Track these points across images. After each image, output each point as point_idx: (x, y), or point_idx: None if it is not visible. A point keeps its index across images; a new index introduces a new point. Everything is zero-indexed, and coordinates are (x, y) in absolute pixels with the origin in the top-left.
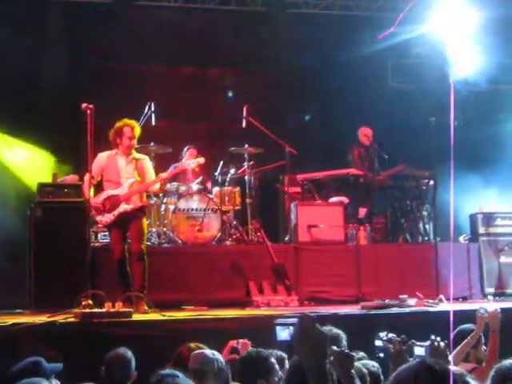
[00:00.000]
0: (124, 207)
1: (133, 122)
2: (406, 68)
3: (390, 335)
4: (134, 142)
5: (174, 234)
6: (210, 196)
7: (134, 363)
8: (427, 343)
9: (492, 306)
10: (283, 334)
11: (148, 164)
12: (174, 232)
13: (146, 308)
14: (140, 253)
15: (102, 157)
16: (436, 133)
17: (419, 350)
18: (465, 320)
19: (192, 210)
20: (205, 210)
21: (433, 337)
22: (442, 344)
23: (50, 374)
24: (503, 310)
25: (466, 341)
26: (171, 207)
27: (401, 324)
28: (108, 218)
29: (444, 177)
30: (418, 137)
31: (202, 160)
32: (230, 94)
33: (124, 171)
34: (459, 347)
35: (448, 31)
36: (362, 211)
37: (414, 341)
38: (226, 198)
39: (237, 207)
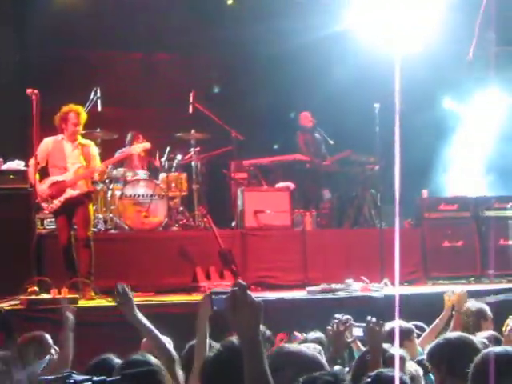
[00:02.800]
0: (70, 193)
1: (78, 108)
2: (349, 54)
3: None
4: (80, 127)
5: (120, 220)
6: (157, 182)
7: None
8: (364, 324)
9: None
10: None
11: (94, 150)
12: (120, 218)
13: (93, 294)
14: (86, 239)
15: (48, 142)
16: (380, 118)
17: (357, 331)
18: (409, 303)
19: (138, 196)
20: (151, 195)
21: (369, 317)
22: (378, 324)
23: None
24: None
25: (434, 324)
26: (118, 193)
27: (346, 308)
28: (54, 204)
29: (389, 162)
30: (362, 123)
31: (147, 145)
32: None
33: (70, 157)
34: (427, 331)
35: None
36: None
37: (352, 322)
38: (173, 184)
39: (183, 193)
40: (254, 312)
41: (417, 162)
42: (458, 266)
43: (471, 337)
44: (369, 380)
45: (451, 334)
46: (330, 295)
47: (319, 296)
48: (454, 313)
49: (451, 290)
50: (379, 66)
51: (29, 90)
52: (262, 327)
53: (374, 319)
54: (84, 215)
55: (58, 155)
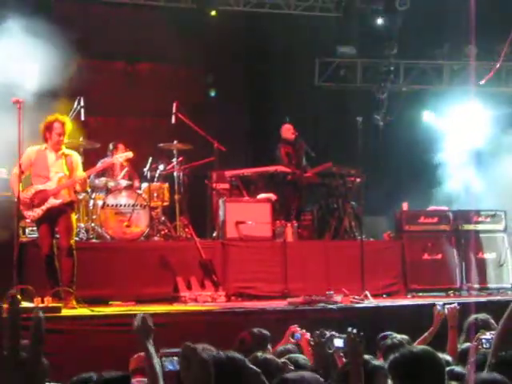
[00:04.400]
0: (52, 202)
1: (64, 118)
2: (332, 67)
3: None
4: (64, 137)
5: (102, 230)
6: (139, 192)
7: None
8: (344, 335)
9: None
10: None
11: (77, 159)
12: (102, 227)
13: (75, 303)
14: (69, 248)
15: (31, 151)
16: (362, 132)
17: (338, 342)
18: (390, 315)
19: (120, 205)
20: (133, 205)
21: (349, 329)
22: (358, 335)
23: None
24: (427, 305)
25: (421, 338)
26: (99, 202)
27: (327, 319)
28: (36, 212)
29: (370, 175)
30: (344, 136)
31: (130, 154)
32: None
33: (53, 166)
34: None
35: None
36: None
37: (333, 333)
38: (155, 194)
39: (165, 203)
40: (204, 372)
41: (397, 175)
42: (438, 278)
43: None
44: None
45: (417, 347)
46: (310, 307)
47: (300, 307)
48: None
49: (441, 305)
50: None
51: (14, 99)
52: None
53: (354, 330)
54: (66, 224)
55: (41, 164)
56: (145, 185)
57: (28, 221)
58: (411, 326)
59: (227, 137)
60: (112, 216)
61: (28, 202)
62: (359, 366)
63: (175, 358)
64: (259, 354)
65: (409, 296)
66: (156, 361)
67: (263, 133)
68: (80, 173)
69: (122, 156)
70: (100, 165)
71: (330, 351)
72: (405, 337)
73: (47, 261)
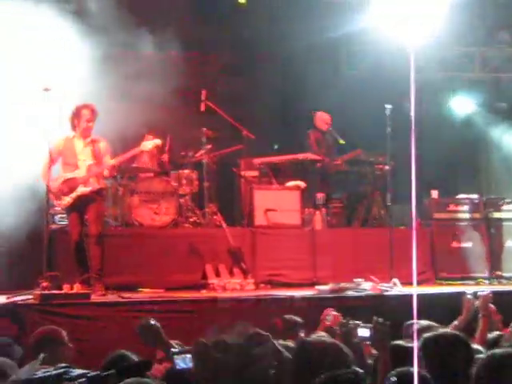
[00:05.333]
0: (82, 190)
1: (92, 105)
2: (361, 55)
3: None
4: (92, 124)
5: (130, 217)
6: (168, 179)
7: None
8: (371, 325)
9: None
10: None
11: (105, 146)
12: (131, 215)
13: (104, 290)
14: (98, 236)
15: (59, 140)
16: (392, 119)
17: (363, 331)
18: (419, 303)
19: (149, 192)
20: (162, 193)
21: (375, 318)
22: (384, 324)
23: (15, 357)
24: (458, 293)
25: (452, 325)
26: (128, 190)
27: (355, 307)
28: (66, 200)
29: (398, 162)
30: (374, 123)
31: (158, 142)
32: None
33: (81, 154)
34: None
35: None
36: (320, 196)
37: (358, 322)
38: (184, 181)
39: (194, 191)
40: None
41: (426, 162)
42: (467, 267)
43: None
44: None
45: (448, 331)
46: (339, 294)
47: (329, 295)
48: (480, 316)
49: (473, 292)
50: (391, 67)
51: (44, 87)
52: None
53: (380, 319)
54: (96, 212)
55: (69, 153)
56: (174, 172)
57: (57, 208)
58: (441, 315)
59: (256, 124)
60: (141, 203)
61: (57, 190)
62: (387, 354)
63: (188, 356)
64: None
65: (439, 284)
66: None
67: (292, 120)
68: (108, 159)
69: (150, 143)
70: (129, 152)
71: (356, 340)
72: (432, 323)
73: (77, 248)
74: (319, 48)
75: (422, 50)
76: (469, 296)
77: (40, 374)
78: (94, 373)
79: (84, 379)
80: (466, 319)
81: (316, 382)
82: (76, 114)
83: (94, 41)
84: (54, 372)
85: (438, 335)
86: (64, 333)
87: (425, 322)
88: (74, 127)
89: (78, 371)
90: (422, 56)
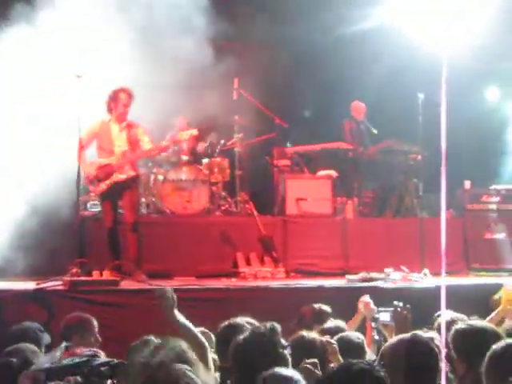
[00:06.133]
0: (117, 177)
1: (129, 89)
2: (395, 44)
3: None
4: (128, 109)
5: (162, 205)
6: (200, 167)
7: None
8: (391, 309)
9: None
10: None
11: (142, 131)
12: (162, 202)
13: (144, 277)
14: (134, 223)
15: (96, 123)
16: (424, 108)
17: (384, 316)
18: (450, 293)
19: (181, 180)
20: (194, 181)
21: (396, 302)
22: (405, 308)
23: (43, 343)
24: (489, 284)
25: (488, 318)
26: (160, 177)
27: (385, 297)
28: (100, 187)
29: (431, 152)
30: (406, 112)
31: (195, 132)
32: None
33: (117, 139)
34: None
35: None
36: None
37: (379, 308)
38: (216, 170)
39: (226, 179)
40: None
41: (459, 153)
42: (500, 258)
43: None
44: None
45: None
46: (369, 284)
47: (359, 284)
48: None
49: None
50: (425, 56)
51: (75, 74)
52: None
53: (400, 303)
54: (131, 199)
55: (105, 137)
56: (205, 160)
57: (91, 195)
58: (473, 305)
59: (289, 113)
60: (172, 191)
61: (93, 176)
62: None
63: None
64: (305, 333)
65: (471, 275)
66: (195, 330)
67: (326, 109)
68: (145, 144)
69: (187, 133)
70: (167, 141)
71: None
72: (460, 315)
73: (110, 234)
74: (353, 37)
75: (455, 39)
76: (508, 287)
77: (65, 361)
78: (118, 361)
79: (107, 367)
80: (503, 313)
81: (329, 371)
82: (113, 98)
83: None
84: (78, 360)
85: (469, 327)
86: (94, 320)
87: (453, 314)
88: (110, 111)
89: (102, 359)
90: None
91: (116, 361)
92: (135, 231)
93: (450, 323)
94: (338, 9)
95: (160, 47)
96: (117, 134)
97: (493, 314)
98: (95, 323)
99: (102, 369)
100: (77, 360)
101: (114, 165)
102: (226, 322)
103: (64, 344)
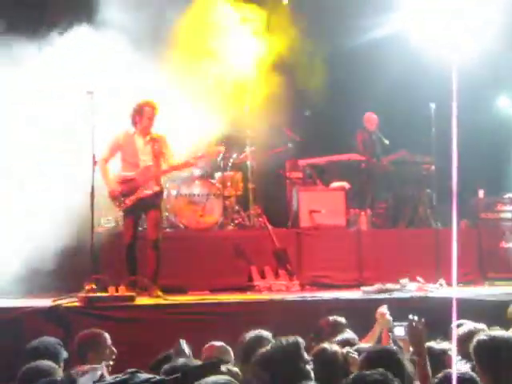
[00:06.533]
0: (143, 193)
1: (154, 102)
2: (405, 53)
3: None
4: (153, 122)
5: (176, 219)
6: (212, 181)
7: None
8: (405, 323)
9: None
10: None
11: (166, 143)
12: (176, 217)
13: (160, 293)
14: (156, 240)
15: (119, 135)
16: (436, 118)
17: (399, 330)
18: (463, 305)
19: (194, 195)
20: (207, 195)
21: (411, 316)
22: (419, 322)
23: (61, 359)
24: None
25: None
26: (173, 192)
27: (401, 308)
28: (126, 202)
29: (444, 162)
30: (418, 122)
31: (222, 149)
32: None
33: (142, 153)
34: None
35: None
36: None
37: (393, 322)
38: (228, 183)
39: (239, 192)
40: None
41: (472, 162)
42: None
43: None
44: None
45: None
46: (385, 295)
47: (374, 296)
48: None
49: None
50: (435, 66)
51: (87, 90)
52: None
53: (415, 317)
54: (156, 216)
55: (129, 150)
56: (218, 174)
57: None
58: (489, 316)
59: (300, 125)
60: (185, 205)
61: (118, 193)
62: (423, 352)
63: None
64: (327, 346)
65: (486, 285)
66: None
67: (336, 120)
68: (170, 159)
69: (215, 150)
70: (193, 159)
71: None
72: (480, 326)
73: (128, 250)
74: (364, 47)
75: (466, 47)
76: None
77: (107, 380)
78: (159, 377)
79: None
80: None
81: (344, 382)
82: (138, 111)
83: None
84: (120, 378)
85: (491, 338)
86: (106, 335)
87: (473, 324)
88: (134, 124)
89: (144, 376)
90: (467, 53)
91: (158, 377)
92: (156, 249)
93: (469, 334)
94: (345, 19)
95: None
96: (142, 147)
97: None
98: (107, 336)
99: None
100: (119, 378)
101: (138, 180)
102: (252, 334)
103: (104, 363)
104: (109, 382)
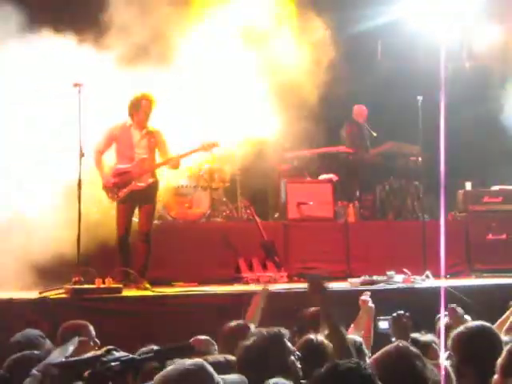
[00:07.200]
0: (136, 185)
1: (151, 95)
2: (394, 46)
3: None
4: (150, 116)
5: (164, 211)
6: (200, 173)
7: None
8: (390, 317)
9: None
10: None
11: (162, 137)
12: (164, 209)
13: (147, 285)
14: (146, 233)
15: (115, 127)
16: (423, 111)
17: (383, 324)
18: (451, 296)
19: (182, 186)
20: (195, 186)
21: (395, 314)
22: (404, 316)
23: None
24: (491, 285)
25: (502, 318)
26: (161, 184)
27: (387, 300)
28: (119, 194)
29: (432, 154)
30: (406, 115)
31: (218, 144)
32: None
33: (137, 146)
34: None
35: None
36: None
37: (377, 317)
38: (216, 175)
39: (226, 184)
40: None
41: (459, 154)
42: (503, 259)
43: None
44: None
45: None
46: (372, 287)
47: (361, 288)
48: None
49: None
50: (423, 58)
51: (74, 83)
52: None
53: (400, 311)
54: (148, 209)
55: (125, 142)
56: (206, 166)
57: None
58: (476, 307)
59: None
60: (173, 197)
61: (112, 184)
62: None
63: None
64: (313, 337)
65: (473, 276)
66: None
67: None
68: (165, 154)
69: (209, 145)
70: (191, 150)
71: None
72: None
73: (121, 242)
74: (354, 39)
75: (453, 38)
76: None
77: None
78: (130, 356)
79: (118, 362)
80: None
81: (316, 372)
82: (135, 104)
83: None
84: (90, 355)
85: (465, 329)
86: (90, 327)
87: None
88: (131, 116)
89: (117, 355)
90: (455, 45)
91: (130, 356)
92: (147, 241)
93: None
94: (337, 10)
95: None
96: (137, 140)
97: (507, 313)
98: (91, 327)
99: (114, 364)
100: (90, 355)
101: (133, 172)
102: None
103: (77, 338)
104: (77, 358)
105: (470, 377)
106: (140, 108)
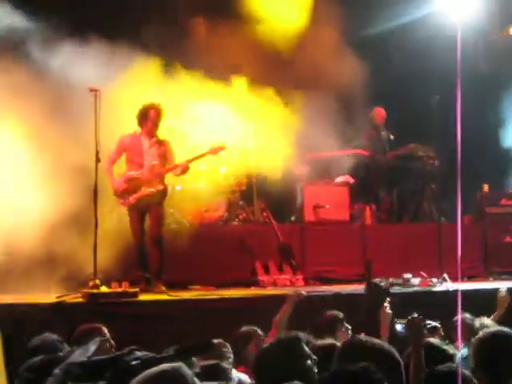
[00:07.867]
0: (145, 191)
1: (159, 105)
2: (410, 46)
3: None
4: (158, 125)
5: (180, 215)
6: (217, 177)
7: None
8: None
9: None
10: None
11: (170, 148)
12: (180, 212)
13: (164, 289)
14: (157, 237)
15: (125, 137)
16: (440, 111)
17: (400, 327)
18: (468, 299)
19: (199, 190)
20: (211, 190)
21: (410, 317)
22: (419, 319)
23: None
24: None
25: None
26: (178, 188)
27: (404, 303)
28: (129, 199)
29: (449, 157)
30: (422, 115)
31: (224, 146)
32: None
33: (147, 154)
34: None
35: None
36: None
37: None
38: (232, 179)
39: (243, 187)
40: None
41: (478, 156)
42: None
43: None
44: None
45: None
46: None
47: None
48: None
49: (506, 289)
50: (440, 59)
51: (91, 87)
52: None
53: (415, 314)
54: (157, 214)
55: (135, 150)
56: (223, 169)
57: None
58: (493, 310)
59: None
60: (190, 201)
61: (122, 190)
62: (420, 349)
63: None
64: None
65: (490, 279)
66: None
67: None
68: (174, 159)
69: (215, 148)
70: (199, 154)
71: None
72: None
73: (137, 247)
74: (371, 41)
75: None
76: (503, 292)
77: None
78: (150, 355)
79: (138, 361)
80: (499, 316)
81: (323, 375)
82: (143, 114)
83: None
84: (112, 355)
85: (489, 335)
86: (105, 329)
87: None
88: (140, 125)
89: (138, 354)
90: (472, 47)
91: (151, 355)
92: (159, 245)
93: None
94: (351, 12)
95: None
96: (147, 148)
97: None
98: (105, 330)
99: (134, 363)
100: (112, 355)
101: (142, 179)
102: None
103: (99, 339)
104: (98, 358)
105: (485, 381)
106: (148, 118)
